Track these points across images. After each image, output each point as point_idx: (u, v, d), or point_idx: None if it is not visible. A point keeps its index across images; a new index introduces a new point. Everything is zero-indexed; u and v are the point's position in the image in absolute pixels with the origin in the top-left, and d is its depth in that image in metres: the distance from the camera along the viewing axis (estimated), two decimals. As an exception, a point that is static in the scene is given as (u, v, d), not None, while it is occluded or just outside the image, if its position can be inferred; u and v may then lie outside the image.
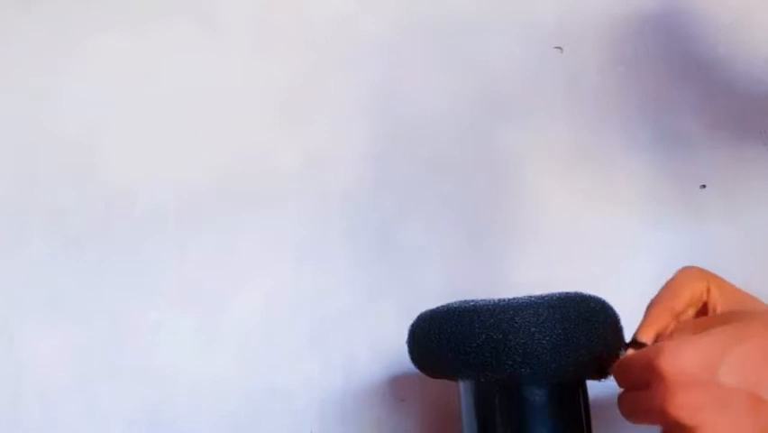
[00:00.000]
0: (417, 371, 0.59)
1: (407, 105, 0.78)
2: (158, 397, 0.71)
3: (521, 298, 0.52)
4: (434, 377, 0.58)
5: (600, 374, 0.51)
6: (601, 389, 0.51)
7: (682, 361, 0.42)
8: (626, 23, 0.79)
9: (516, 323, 0.50)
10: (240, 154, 0.76)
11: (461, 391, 0.55)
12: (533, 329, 0.50)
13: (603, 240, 0.74)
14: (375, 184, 0.76)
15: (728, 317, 0.49)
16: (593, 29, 0.79)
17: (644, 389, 0.44)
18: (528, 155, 0.76)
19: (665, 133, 0.76)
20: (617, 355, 0.50)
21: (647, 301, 0.50)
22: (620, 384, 0.47)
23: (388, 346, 0.70)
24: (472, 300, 0.54)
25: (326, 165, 0.76)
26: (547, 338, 0.50)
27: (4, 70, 0.79)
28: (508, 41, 0.79)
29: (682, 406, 0.42)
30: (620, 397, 0.47)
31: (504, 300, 0.52)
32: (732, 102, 0.77)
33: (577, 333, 0.50)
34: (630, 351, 0.49)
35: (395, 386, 0.71)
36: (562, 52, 0.78)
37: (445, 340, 0.53)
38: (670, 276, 0.51)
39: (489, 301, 0.53)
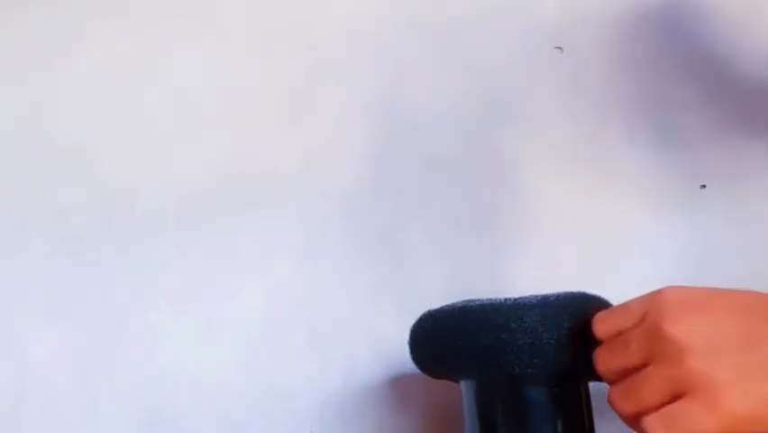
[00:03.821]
0: (418, 371, 0.59)
1: (407, 105, 0.78)
2: (158, 397, 0.71)
3: (527, 297, 0.52)
4: (436, 378, 0.58)
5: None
6: (603, 388, 0.51)
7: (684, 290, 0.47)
8: (627, 23, 0.79)
9: (525, 322, 0.50)
10: (240, 154, 0.76)
11: (464, 391, 0.55)
12: (540, 329, 0.50)
13: (603, 240, 0.74)
14: (375, 184, 0.76)
15: None
16: (593, 29, 0.79)
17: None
18: (528, 155, 0.76)
19: (665, 133, 0.77)
20: None
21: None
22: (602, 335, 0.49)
23: (388, 346, 0.70)
24: (477, 300, 0.54)
25: (326, 165, 0.76)
26: (555, 338, 0.50)
27: (3, 70, 0.78)
28: (508, 42, 0.79)
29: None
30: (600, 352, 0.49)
31: (510, 300, 0.52)
32: (733, 102, 0.77)
33: (583, 332, 0.50)
34: None
35: (395, 386, 0.71)
36: (562, 52, 0.79)
37: (451, 340, 0.53)
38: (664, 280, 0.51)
39: (495, 301, 0.53)
